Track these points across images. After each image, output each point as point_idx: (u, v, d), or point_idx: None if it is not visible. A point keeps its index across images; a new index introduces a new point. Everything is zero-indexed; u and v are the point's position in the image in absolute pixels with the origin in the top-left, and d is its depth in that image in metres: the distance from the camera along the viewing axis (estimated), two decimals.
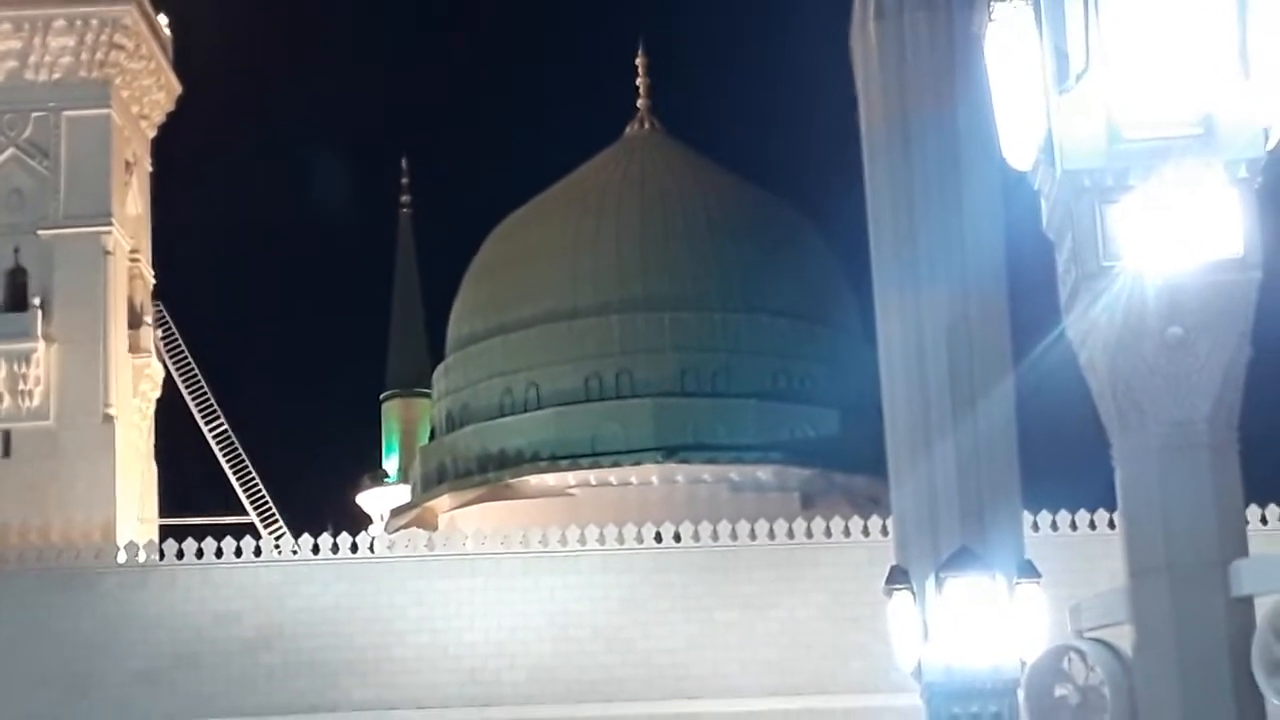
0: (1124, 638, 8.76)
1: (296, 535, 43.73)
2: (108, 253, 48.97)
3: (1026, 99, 8.54)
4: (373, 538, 44.45)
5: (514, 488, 52.69)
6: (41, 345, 47.75)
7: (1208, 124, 8.25)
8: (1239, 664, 8.34)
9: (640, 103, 58.89)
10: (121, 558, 42.99)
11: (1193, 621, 8.41)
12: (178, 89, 53.48)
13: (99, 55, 49.59)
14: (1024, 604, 15.74)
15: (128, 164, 50.92)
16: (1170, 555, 8.48)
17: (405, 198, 67.86)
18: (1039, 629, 15.54)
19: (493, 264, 56.52)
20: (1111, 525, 38.01)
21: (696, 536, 42.47)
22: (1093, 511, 41.50)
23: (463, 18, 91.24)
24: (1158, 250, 8.26)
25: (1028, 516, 27.33)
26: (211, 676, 41.46)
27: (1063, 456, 24.70)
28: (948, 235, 16.73)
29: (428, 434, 60.54)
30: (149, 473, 51.08)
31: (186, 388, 52.97)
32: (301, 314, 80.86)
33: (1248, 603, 8.50)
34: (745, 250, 54.47)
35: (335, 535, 42.85)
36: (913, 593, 15.95)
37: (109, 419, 47.93)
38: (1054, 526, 41.41)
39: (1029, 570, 15.93)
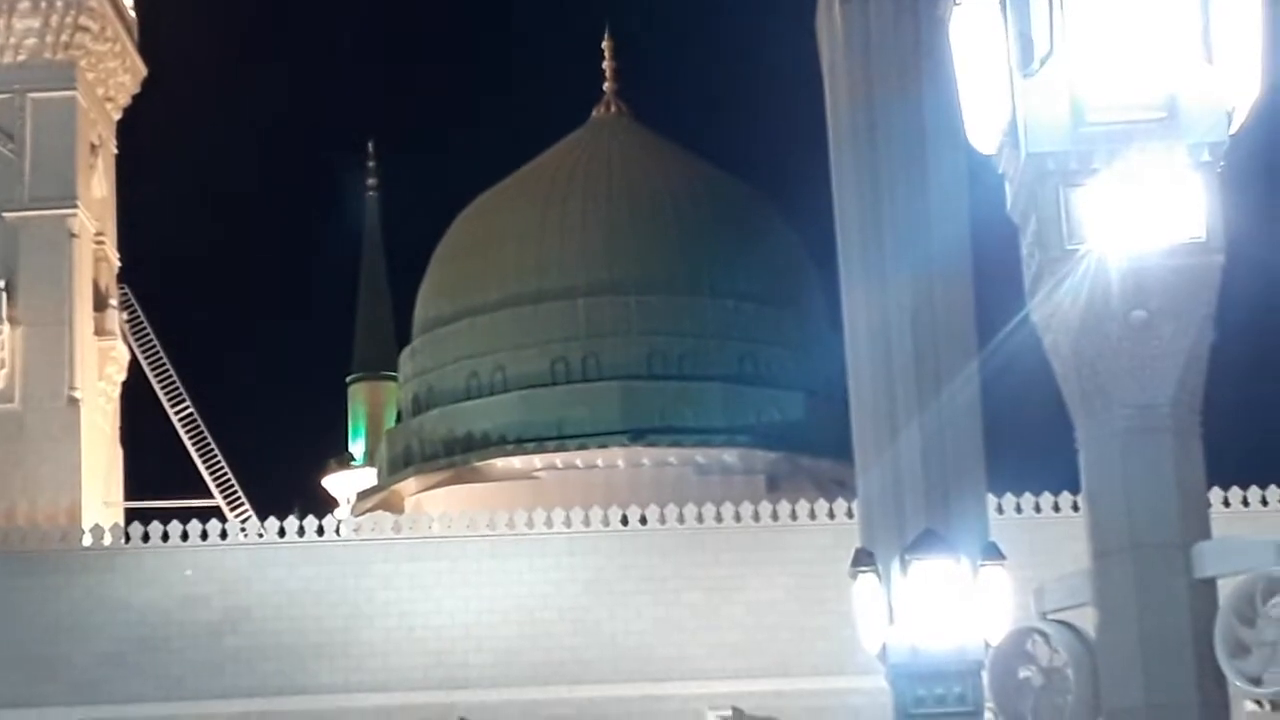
0: (1088, 619, 8.81)
1: (263, 518, 43.62)
2: (73, 235, 48.74)
3: (991, 82, 8.56)
4: (339, 521, 44.38)
5: (480, 471, 52.67)
6: (6, 328, 47.52)
7: (1171, 108, 8.28)
8: (1201, 645, 8.39)
9: (607, 86, 58.81)
10: (87, 541, 42.83)
11: (1156, 603, 8.46)
12: (143, 71, 53.23)
13: (64, 37, 49.32)
14: (988, 586, 15.81)
15: (93, 146, 50.68)
16: (1133, 537, 8.53)
17: (371, 180, 67.73)
18: (1003, 611, 15.62)
19: (459, 247, 56.44)
20: (1075, 508, 38.08)
21: (663, 519, 42.51)
22: (1057, 494, 41.63)
23: (428, 1, 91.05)
24: (1121, 233, 8.30)
25: (992, 499, 27.39)
26: (178, 659, 41.37)
27: (1027, 439, 24.80)
28: (913, 219, 16.77)
29: (394, 417, 60.47)
30: (114, 456, 50.90)
31: (152, 371, 52.77)
32: (267, 296, 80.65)
33: (1210, 584, 8.55)
34: (712, 234, 54.48)
35: (301, 518, 42.76)
36: (878, 575, 16.01)
37: (74, 402, 47.75)
38: (1018, 509, 41.53)
39: (993, 552, 16.01)
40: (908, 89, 16.75)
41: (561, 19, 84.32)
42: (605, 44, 58.81)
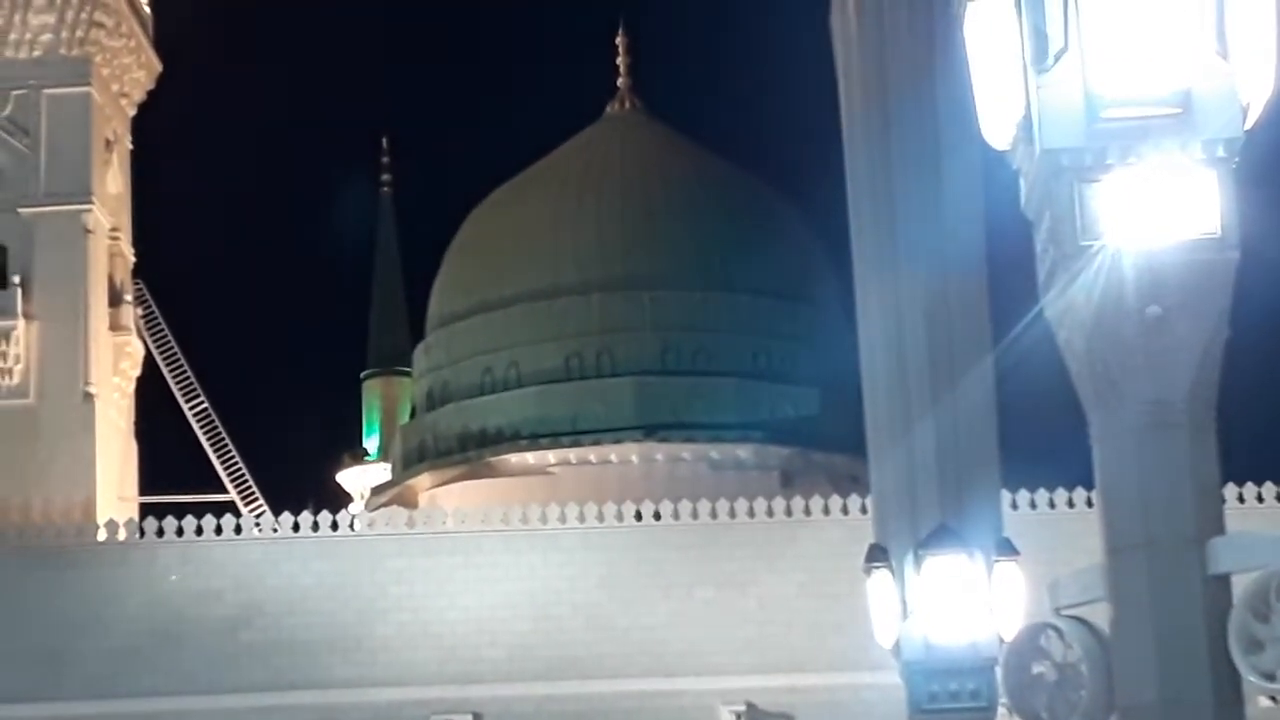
0: (1101, 615, 8.81)
1: (277, 513, 43.72)
2: (88, 231, 48.85)
3: (1005, 78, 8.56)
4: (353, 516, 44.44)
5: (494, 466, 52.70)
6: (22, 323, 47.64)
7: (1186, 103, 8.27)
8: (1216, 641, 8.38)
9: (620, 82, 58.81)
10: (101, 536, 42.94)
11: (1170, 599, 8.46)
12: (158, 67, 53.32)
13: (79, 33, 49.42)
14: (1002, 582, 15.80)
15: (108, 142, 50.77)
16: (1148, 533, 8.52)
17: (386, 176, 67.78)
18: (1017, 606, 15.60)
19: (473, 243, 56.46)
20: (1090, 503, 38.08)
21: (676, 515, 42.53)
22: (1071, 490, 41.62)
23: None
24: (1136, 230, 8.29)
25: (1006, 494, 27.37)
26: (191, 654, 41.46)
27: (1041, 435, 24.78)
28: (927, 214, 16.75)
29: (408, 412, 60.52)
30: (129, 451, 51.01)
31: (167, 366, 52.89)
32: (282, 292, 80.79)
33: (1224, 580, 8.55)
34: (726, 230, 54.46)
35: (316, 513, 42.82)
36: (892, 570, 16.00)
37: (89, 397, 47.84)
38: (1033, 505, 41.53)
39: (1007, 548, 15.98)
40: (922, 85, 16.74)
41: (575, 14, 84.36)
42: (619, 39, 58.82)
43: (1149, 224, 8.28)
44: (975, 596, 15.70)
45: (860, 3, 17.20)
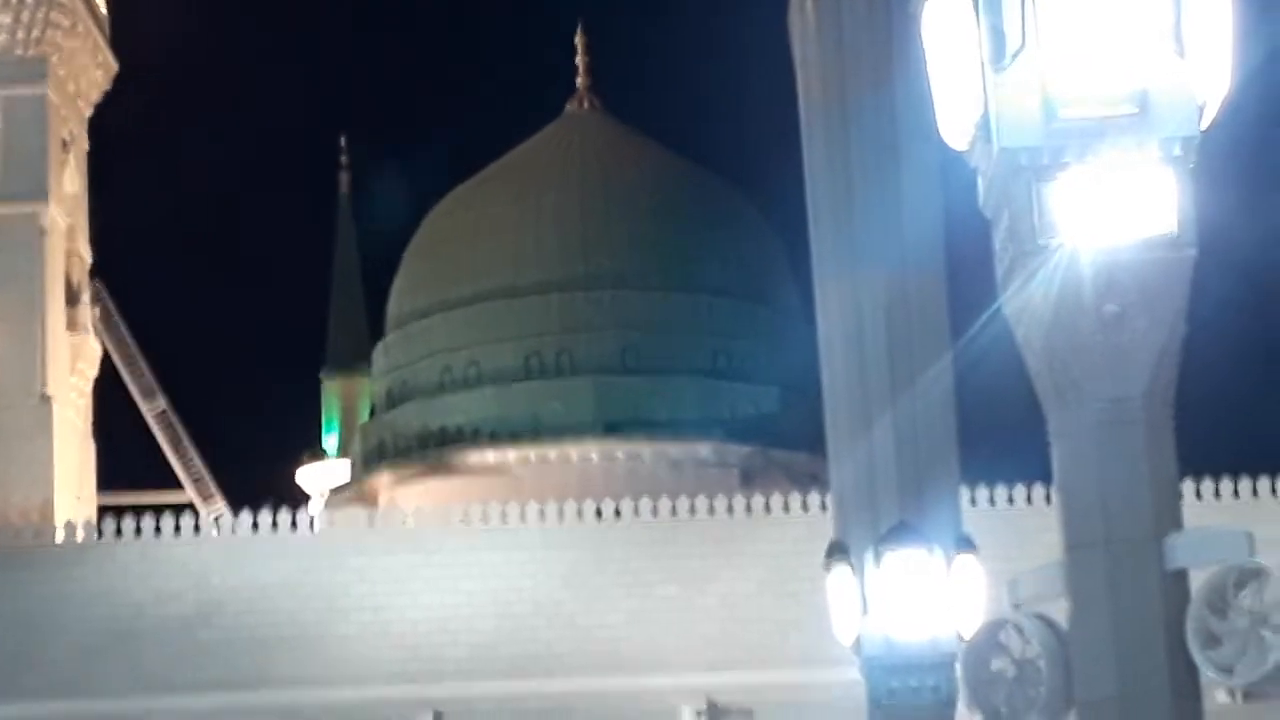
0: (1060, 611, 8.86)
1: (236, 512, 43.58)
2: (44, 231, 48.56)
3: (963, 77, 8.60)
4: (312, 515, 44.33)
5: (454, 465, 52.66)
6: None
7: (1143, 102, 8.33)
8: (1173, 637, 8.44)
9: (580, 81, 58.79)
10: (60, 537, 42.74)
11: (1128, 595, 8.51)
12: (115, 67, 53.05)
13: (35, 33, 49.13)
14: (962, 577, 15.87)
15: (64, 142, 50.50)
16: (1106, 529, 8.58)
17: (344, 175, 67.59)
18: (976, 602, 15.68)
19: (433, 241, 56.39)
20: (1048, 500, 38.27)
21: (637, 512, 42.55)
22: (1029, 486, 41.76)
23: None
24: (1093, 228, 8.34)
25: (965, 491, 27.48)
26: (152, 653, 41.31)
27: (1000, 431, 24.88)
28: (886, 213, 16.82)
29: (368, 411, 60.40)
30: (87, 451, 50.76)
31: (125, 366, 52.68)
32: (240, 291, 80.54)
33: (1182, 576, 8.61)
34: (685, 229, 54.51)
35: (275, 512, 42.71)
36: (851, 567, 16.06)
37: (46, 399, 47.59)
38: (991, 501, 41.66)
39: (966, 544, 16.07)
40: (880, 84, 16.80)
41: (535, 13, 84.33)
42: (578, 38, 58.80)
43: (1106, 222, 8.33)
44: (935, 592, 15.78)
45: (818, 1, 17.26)
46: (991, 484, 41.72)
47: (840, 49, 17.10)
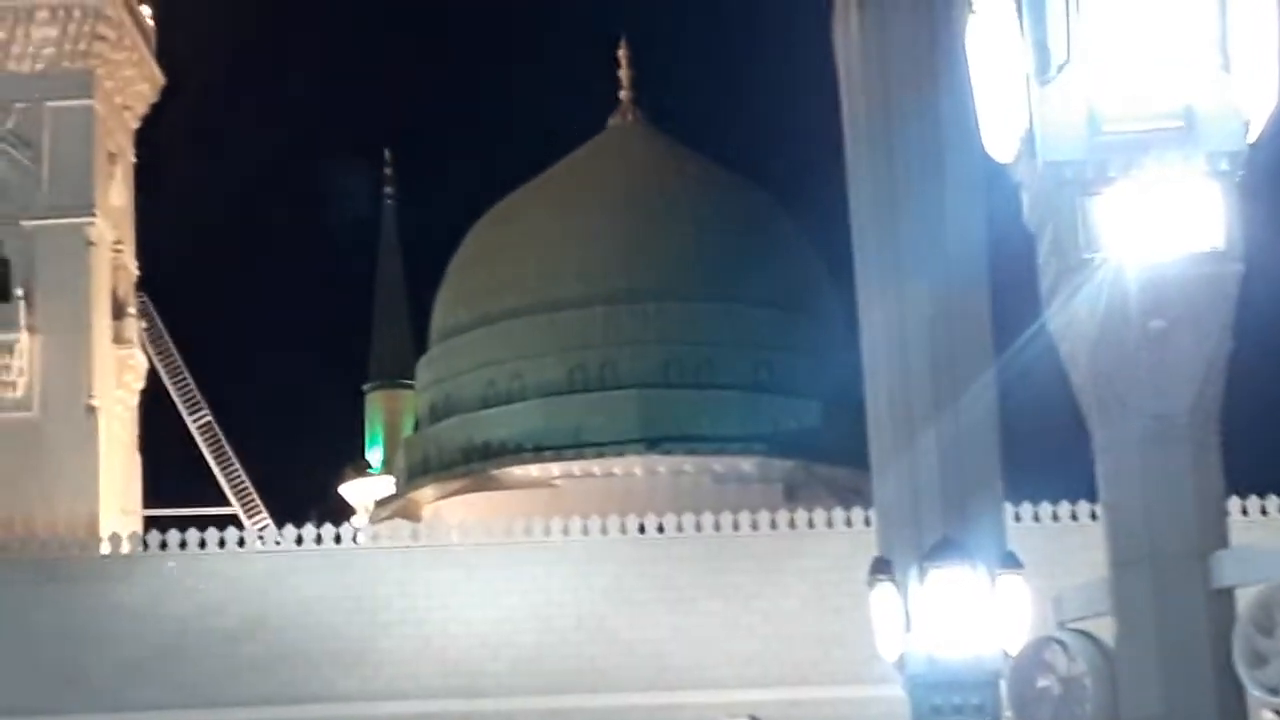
0: (1106, 629, 8.79)
1: (280, 526, 43.69)
2: (91, 244, 48.84)
3: (1007, 91, 8.55)
4: (356, 529, 44.41)
5: (498, 479, 52.68)
6: (25, 336, 47.63)
7: (1189, 117, 8.27)
8: (1219, 655, 8.37)
9: (623, 94, 58.83)
10: (105, 549, 42.92)
11: (1174, 613, 8.44)
12: (161, 80, 53.35)
13: (81, 46, 49.44)
14: (1006, 595, 15.78)
15: (111, 155, 50.79)
16: (1152, 547, 8.51)
17: (389, 189, 67.79)
18: (1021, 620, 15.58)
19: (476, 255, 56.49)
20: (1093, 516, 38.06)
21: (680, 527, 42.50)
22: (1074, 502, 41.58)
23: (446, 8, 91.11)
24: (1139, 242, 8.28)
25: (1009, 507, 27.36)
26: (195, 667, 41.42)
27: (1044, 447, 24.76)
28: (929, 226, 16.76)
29: (411, 425, 60.52)
30: (133, 464, 50.98)
31: (170, 379, 52.90)
32: (285, 305, 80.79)
33: (1228, 594, 8.53)
34: (728, 241, 54.48)
35: (319, 526, 42.80)
36: (895, 583, 15.99)
37: (92, 410, 47.82)
38: (1036, 517, 41.49)
39: (1011, 561, 15.97)
40: (924, 97, 16.75)
41: (578, 27, 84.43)
42: (621, 51, 58.85)
43: (1152, 237, 8.27)
44: (979, 609, 15.69)
45: (862, 15, 17.22)
46: (1035, 500, 41.55)
47: (884, 61, 17.06)
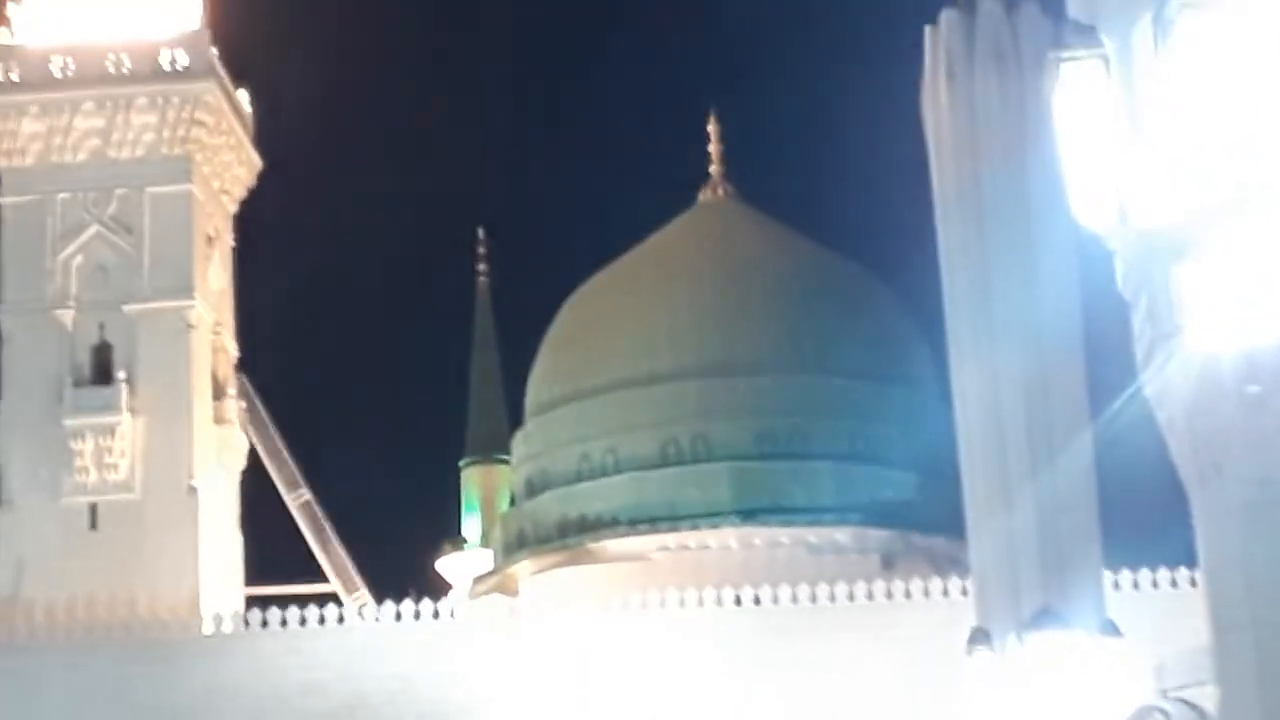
0: (1209, 698, 8.76)
1: (379, 602, 43.88)
2: (191, 326, 49.46)
3: (1098, 159, 8.61)
4: (453, 605, 44.52)
5: (593, 553, 52.68)
6: (127, 418, 48.23)
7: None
8: None
9: (713, 168, 59.00)
10: (207, 628, 43.24)
11: (1277, 680, 8.41)
12: (258, 164, 54.06)
13: (180, 132, 50.22)
14: (1106, 663, 15.68)
15: (209, 238, 51.47)
16: (1253, 613, 8.48)
17: (482, 266, 68.21)
18: (1121, 688, 15.48)
19: (570, 330, 56.72)
20: (1192, 583, 37.67)
21: (776, 599, 42.36)
22: (1174, 569, 41.16)
23: (536, 86, 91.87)
24: (1232, 309, 8.31)
25: (1108, 574, 27.14)
26: None
27: (1143, 513, 24.58)
28: (1022, 292, 16.76)
29: (507, 500, 60.65)
30: (234, 542, 51.40)
31: (270, 458, 53.36)
32: (382, 382, 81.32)
33: None
34: (820, 313, 54.43)
35: (417, 602, 42.97)
36: (993, 651, 15.92)
37: (193, 490, 48.30)
38: (1135, 584, 41.09)
39: (1111, 629, 15.87)
40: (1013, 165, 16.79)
41: (668, 102, 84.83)
42: (711, 126, 59.08)
43: (1245, 303, 8.29)
44: (1078, 677, 15.59)
45: (952, 86, 17.30)
46: (1134, 567, 41.15)
47: (973, 130, 17.12)
